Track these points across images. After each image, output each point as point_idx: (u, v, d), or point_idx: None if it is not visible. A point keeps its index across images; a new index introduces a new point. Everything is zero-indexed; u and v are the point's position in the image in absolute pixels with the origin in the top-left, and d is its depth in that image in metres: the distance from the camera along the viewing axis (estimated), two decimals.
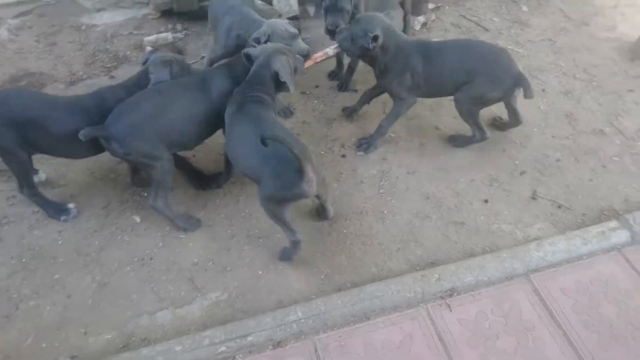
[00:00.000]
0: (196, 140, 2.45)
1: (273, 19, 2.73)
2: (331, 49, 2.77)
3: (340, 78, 3.35)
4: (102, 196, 2.59)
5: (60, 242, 2.39)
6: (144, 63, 2.46)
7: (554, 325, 2.04)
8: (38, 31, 3.69)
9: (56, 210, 2.45)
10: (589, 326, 2.05)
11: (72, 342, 2.03)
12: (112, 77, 3.35)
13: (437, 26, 3.89)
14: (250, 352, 1.96)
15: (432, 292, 2.14)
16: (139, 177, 2.56)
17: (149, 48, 3.49)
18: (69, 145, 2.24)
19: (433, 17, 3.96)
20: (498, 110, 2.97)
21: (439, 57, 2.62)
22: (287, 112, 3.11)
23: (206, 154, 2.82)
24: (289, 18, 3.85)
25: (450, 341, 1.99)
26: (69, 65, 3.43)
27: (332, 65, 3.38)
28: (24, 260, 2.31)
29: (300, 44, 2.58)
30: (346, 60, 3.30)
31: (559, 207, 2.56)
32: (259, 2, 3.78)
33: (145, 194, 2.55)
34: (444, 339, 2.00)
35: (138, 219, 2.49)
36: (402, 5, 3.60)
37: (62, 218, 2.45)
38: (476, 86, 2.58)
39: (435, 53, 2.63)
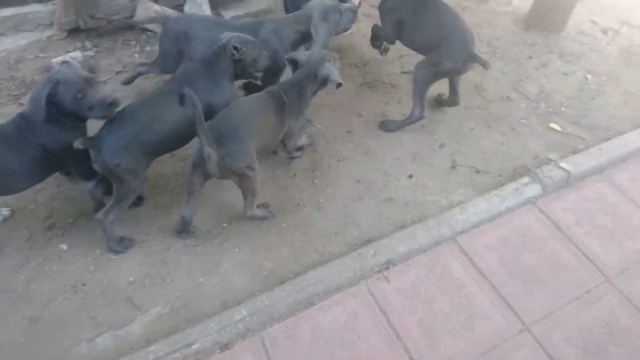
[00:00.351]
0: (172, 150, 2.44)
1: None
2: None
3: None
4: (23, 228, 2.45)
5: None
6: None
7: (483, 279, 2.20)
8: None
9: None
10: (514, 275, 2.22)
11: None
12: (22, 104, 3.17)
13: None
14: (198, 359, 1.95)
15: (370, 268, 2.23)
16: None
17: (59, 59, 3.31)
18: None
19: None
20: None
21: (426, 15, 2.78)
22: None
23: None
24: None
25: (391, 311, 2.09)
26: None
27: None
28: None
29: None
30: None
31: (477, 172, 2.74)
32: (170, 10, 3.73)
33: (71, 220, 2.45)
34: (385, 310, 2.09)
35: (65, 247, 2.38)
36: None
37: None
38: (438, 54, 2.69)
39: (425, 9, 2.79)
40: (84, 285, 2.23)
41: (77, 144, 2.02)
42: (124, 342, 2.04)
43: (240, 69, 2.49)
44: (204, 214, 2.54)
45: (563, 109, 3.12)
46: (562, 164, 2.61)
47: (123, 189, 2.20)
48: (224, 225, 2.53)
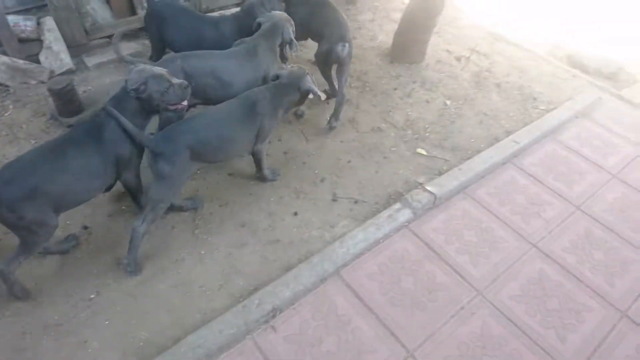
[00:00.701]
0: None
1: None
2: None
3: None
4: None
5: None
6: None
7: (367, 311, 2.23)
8: None
9: None
10: (395, 302, 2.29)
11: None
12: None
13: None
14: None
15: (255, 320, 2.14)
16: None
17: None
18: None
19: None
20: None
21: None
22: None
23: None
24: (61, 73, 3.55)
25: None
26: None
27: None
28: None
29: None
30: None
31: (356, 202, 2.83)
32: (20, 61, 3.38)
33: None
34: None
35: None
36: None
37: None
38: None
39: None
40: None
41: None
42: None
43: (149, 106, 2.27)
44: (69, 285, 2.29)
45: (427, 134, 3.40)
46: (428, 187, 2.81)
47: (30, 238, 2.06)
48: (92, 296, 2.28)
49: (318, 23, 3.30)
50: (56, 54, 3.52)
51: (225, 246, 2.56)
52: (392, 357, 2.09)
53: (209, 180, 2.93)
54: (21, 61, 3.43)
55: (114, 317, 2.18)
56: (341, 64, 3.20)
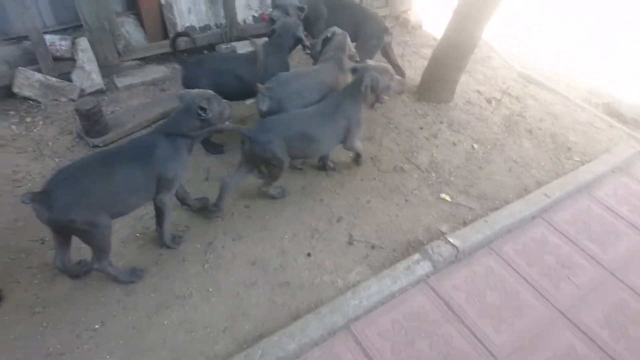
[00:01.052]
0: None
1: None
2: None
3: None
4: None
5: None
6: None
7: None
8: None
9: None
10: None
11: None
12: None
13: None
14: None
15: None
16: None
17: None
18: None
19: None
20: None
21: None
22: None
23: None
24: (91, 93, 3.61)
25: None
26: None
27: None
28: None
29: None
30: None
31: (372, 247, 2.71)
32: (53, 79, 3.45)
33: None
34: None
35: None
36: None
37: None
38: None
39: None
40: None
41: (25, 199, 1.97)
42: None
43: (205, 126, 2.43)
44: (76, 312, 2.25)
45: (452, 178, 3.26)
46: (451, 239, 2.66)
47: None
48: (96, 326, 2.22)
49: (356, 22, 3.74)
50: (88, 74, 3.59)
51: (234, 284, 2.47)
52: None
53: (224, 211, 2.87)
54: (54, 79, 3.51)
55: (116, 351, 2.12)
56: (387, 49, 3.94)
